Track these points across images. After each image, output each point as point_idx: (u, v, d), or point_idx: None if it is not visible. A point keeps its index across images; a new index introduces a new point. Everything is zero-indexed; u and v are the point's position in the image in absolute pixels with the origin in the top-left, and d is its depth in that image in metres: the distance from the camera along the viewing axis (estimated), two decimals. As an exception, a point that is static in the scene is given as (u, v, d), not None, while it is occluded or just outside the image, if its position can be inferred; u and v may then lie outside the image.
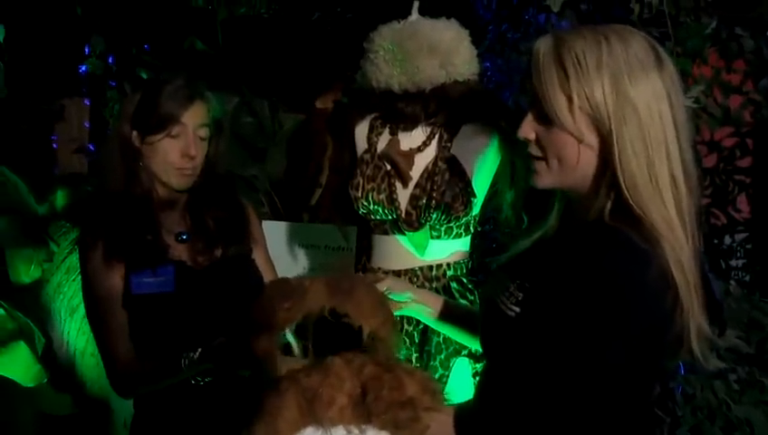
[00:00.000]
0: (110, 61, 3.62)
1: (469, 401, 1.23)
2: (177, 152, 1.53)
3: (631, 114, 1.06)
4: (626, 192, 1.07)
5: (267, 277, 1.67)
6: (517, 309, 1.14)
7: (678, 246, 1.07)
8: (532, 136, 1.15)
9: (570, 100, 1.08)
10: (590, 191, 1.13)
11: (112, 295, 1.49)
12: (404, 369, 1.11)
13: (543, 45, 1.12)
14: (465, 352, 1.88)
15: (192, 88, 1.56)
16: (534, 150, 1.16)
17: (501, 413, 1.11)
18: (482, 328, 1.34)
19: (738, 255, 2.17)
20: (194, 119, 1.55)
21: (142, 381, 1.49)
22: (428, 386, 1.11)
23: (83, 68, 3.88)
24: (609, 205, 1.10)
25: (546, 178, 1.16)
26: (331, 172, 3.55)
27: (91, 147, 4.19)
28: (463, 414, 1.12)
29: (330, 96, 3.72)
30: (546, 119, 1.11)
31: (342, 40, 3.67)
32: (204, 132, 1.57)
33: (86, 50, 3.80)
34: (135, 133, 1.56)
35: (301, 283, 1.20)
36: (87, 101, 4.18)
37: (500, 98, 2.35)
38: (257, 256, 1.68)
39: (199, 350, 1.38)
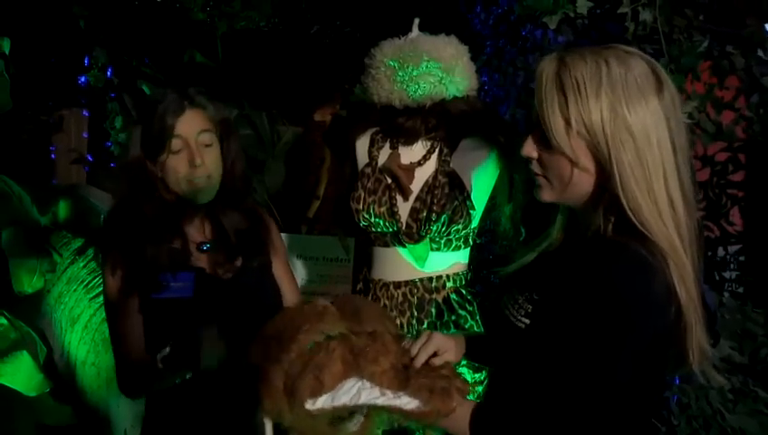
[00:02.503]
0: (109, 73, 3.64)
1: (484, 403, 1.25)
2: (185, 165, 1.51)
3: (628, 140, 1.08)
4: (629, 214, 1.09)
5: (286, 287, 1.67)
6: (527, 321, 1.17)
7: (681, 264, 1.09)
8: (534, 155, 1.18)
9: (568, 123, 1.10)
10: (590, 209, 1.16)
11: (132, 298, 1.50)
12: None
13: (547, 68, 1.13)
14: (463, 361, 1.90)
15: (181, 98, 1.53)
16: (536, 168, 1.19)
17: (510, 419, 1.14)
18: (491, 339, 1.37)
19: (732, 266, 2.20)
20: (190, 128, 1.51)
21: (146, 382, 1.50)
22: (460, 375, 1.22)
23: (82, 79, 3.89)
24: (611, 220, 1.13)
25: (548, 194, 1.19)
26: (330, 184, 3.59)
27: (89, 157, 4.20)
28: (479, 413, 1.16)
29: (328, 109, 3.76)
30: (547, 140, 1.14)
31: (340, 53, 3.71)
32: (207, 138, 1.54)
33: (86, 61, 3.83)
34: (147, 161, 1.54)
35: (314, 306, 1.27)
36: (86, 113, 4.20)
37: (498, 113, 2.39)
38: (276, 266, 1.67)
39: (168, 347, 1.38)
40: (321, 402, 1.11)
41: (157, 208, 1.54)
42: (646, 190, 1.09)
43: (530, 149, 1.18)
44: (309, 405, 1.10)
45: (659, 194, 1.09)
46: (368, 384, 1.12)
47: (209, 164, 1.54)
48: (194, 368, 1.40)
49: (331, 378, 1.11)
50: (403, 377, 1.13)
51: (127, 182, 1.56)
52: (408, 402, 1.12)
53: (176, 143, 1.51)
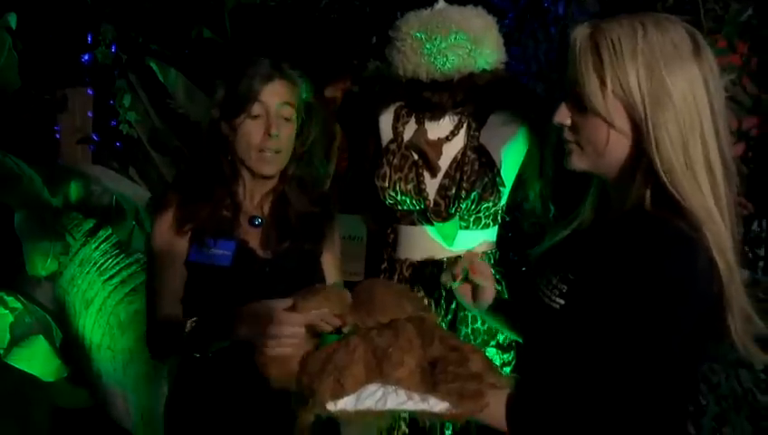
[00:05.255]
0: (113, 50, 3.56)
1: (518, 388, 1.22)
2: (260, 132, 1.49)
3: (666, 101, 1.06)
4: (663, 177, 1.07)
5: (331, 280, 1.63)
6: (562, 301, 1.14)
7: (718, 232, 1.06)
8: (567, 121, 1.16)
9: (603, 84, 1.09)
10: (626, 178, 1.12)
11: (171, 258, 1.49)
12: (469, 347, 1.16)
13: (580, 34, 1.13)
14: (493, 342, 1.87)
15: (273, 66, 1.52)
16: (568, 135, 1.17)
17: (551, 404, 1.10)
18: (525, 320, 1.33)
19: (766, 244, 2.16)
20: (274, 97, 1.50)
21: (172, 344, 1.47)
22: (491, 365, 1.15)
23: (87, 57, 3.81)
24: (648, 193, 1.10)
25: (579, 161, 1.17)
26: (341, 162, 3.53)
27: (94, 136, 4.13)
28: (516, 402, 1.12)
29: (338, 85, 3.68)
30: (581, 105, 1.12)
31: (350, 28, 3.62)
32: (288, 112, 1.52)
33: (89, 39, 3.74)
34: (223, 122, 1.53)
35: (318, 289, 1.26)
36: (90, 91, 4.11)
37: (527, 87, 2.32)
38: (326, 259, 1.64)
39: (194, 319, 1.37)
40: (344, 404, 1.07)
41: (217, 171, 1.53)
42: (681, 152, 1.06)
43: (563, 115, 1.16)
44: (330, 407, 1.07)
45: (695, 156, 1.06)
46: (393, 388, 1.08)
47: (284, 139, 1.52)
48: (222, 340, 1.37)
49: (352, 381, 1.07)
50: (430, 376, 1.08)
51: (201, 141, 1.56)
52: (436, 404, 1.07)
53: (257, 108, 1.50)
